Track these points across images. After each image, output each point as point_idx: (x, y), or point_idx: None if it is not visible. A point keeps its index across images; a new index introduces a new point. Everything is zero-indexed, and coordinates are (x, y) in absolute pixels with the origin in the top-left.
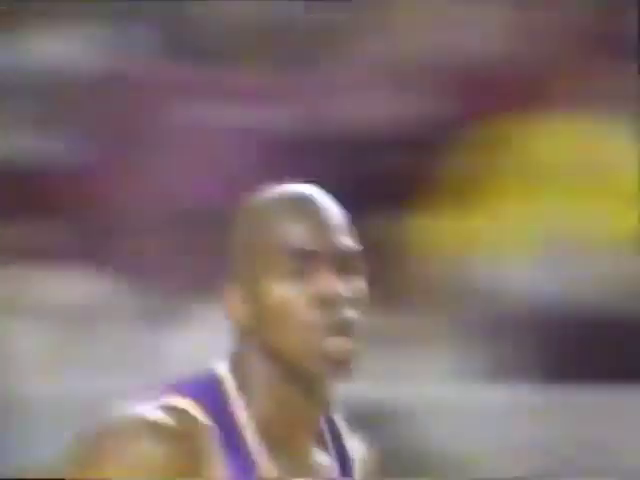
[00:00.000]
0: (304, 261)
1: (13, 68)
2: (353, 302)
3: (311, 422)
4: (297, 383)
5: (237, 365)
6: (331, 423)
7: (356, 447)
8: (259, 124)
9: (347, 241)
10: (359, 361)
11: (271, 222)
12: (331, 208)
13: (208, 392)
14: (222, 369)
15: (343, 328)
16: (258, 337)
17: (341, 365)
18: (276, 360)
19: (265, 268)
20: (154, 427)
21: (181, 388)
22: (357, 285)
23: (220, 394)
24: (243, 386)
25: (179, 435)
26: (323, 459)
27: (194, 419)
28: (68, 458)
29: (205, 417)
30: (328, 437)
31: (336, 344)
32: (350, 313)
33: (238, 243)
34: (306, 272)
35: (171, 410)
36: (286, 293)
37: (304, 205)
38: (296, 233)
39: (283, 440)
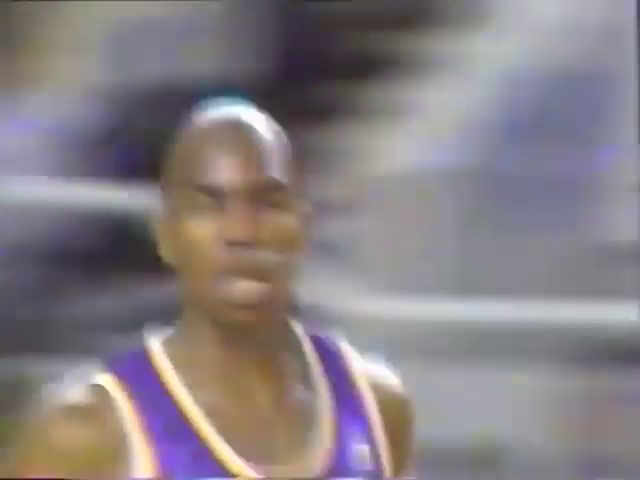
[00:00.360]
0: (213, 198)
1: None
2: (270, 241)
3: (260, 369)
4: (222, 332)
5: (179, 313)
6: (323, 354)
7: (373, 382)
8: None
9: (266, 174)
10: (279, 303)
11: (189, 153)
12: (255, 135)
13: (135, 365)
14: (152, 336)
15: (250, 270)
16: (182, 281)
17: (249, 309)
18: (196, 309)
19: (179, 204)
20: (67, 412)
21: (109, 364)
22: (281, 222)
23: (150, 366)
24: (180, 351)
25: (94, 416)
26: (296, 402)
27: (111, 398)
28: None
29: (126, 394)
30: (319, 376)
31: (241, 288)
32: (262, 254)
33: (166, 173)
34: (216, 210)
35: (88, 390)
36: (196, 232)
37: (221, 134)
38: (205, 166)
39: (235, 406)
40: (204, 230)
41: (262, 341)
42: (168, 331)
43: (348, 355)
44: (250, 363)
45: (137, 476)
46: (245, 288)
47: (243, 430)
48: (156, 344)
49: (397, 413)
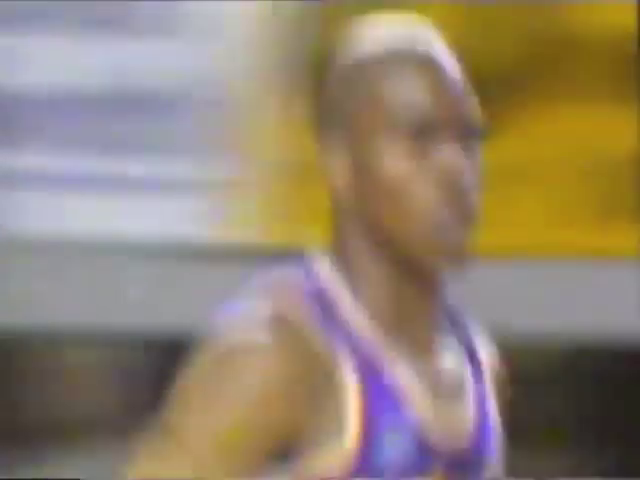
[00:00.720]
0: (426, 133)
1: None
2: (476, 184)
3: (428, 318)
4: (409, 273)
5: (338, 252)
6: (453, 316)
7: (483, 344)
8: None
9: (473, 109)
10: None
11: (385, 80)
12: (451, 63)
13: (311, 292)
14: (320, 259)
15: (468, 217)
16: (363, 216)
17: (460, 258)
18: (385, 246)
19: (377, 137)
20: (267, 345)
21: (283, 289)
22: (478, 163)
23: (324, 291)
24: (346, 278)
25: (297, 350)
26: (449, 358)
27: (306, 328)
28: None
29: (314, 321)
30: (451, 331)
31: (460, 236)
32: (475, 198)
33: (340, 98)
34: (427, 146)
35: (281, 321)
36: (403, 170)
37: (424, 59)
38: (418, 97)
39: (401, 340)
40: (414, 168)
41: (438, 288)
42: (330, 252)
43: (469, 322)
44: (422, 309)
45: (345, 411)
46: (462, 236)
47: (417, 380)
48: (326, 267)
49: (500, 387)
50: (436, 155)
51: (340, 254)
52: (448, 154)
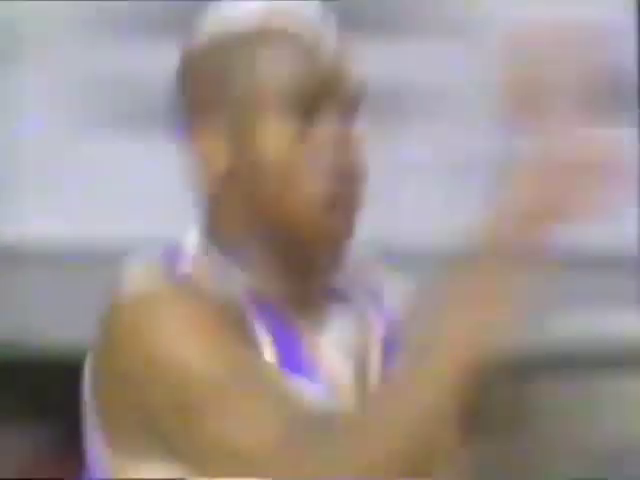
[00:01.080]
0: (305, 107)
1: None
2: (360, 167)
3: (317, 293)
4: (291, 253)
5: (213, 229)
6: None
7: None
8: None
9: (353, 75)
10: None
11: (258, 60)
12: (326, 33)
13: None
14: (192, 239)
15: (351, 199)
16: (244, 200)
17: (343, 238)
18: (268, 229)
19: (257, 119)
20: (181, 288)
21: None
22: (361, 141)
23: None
24: (223, 261)
25: (208, 293)
26: (347, 326)
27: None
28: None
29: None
30: (354, 292)
31: (342, 218)
32: (359, 182)
33: (213, 82)
34: (309, 120)
35: (185, 279)
36: (285, 151)
37: (294, 33)
38: (293, 72)
39: (281, 318)
40: (297, 143)
41: (326, 264)
42: (203, 229)
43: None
44: (308, 286)
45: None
46: (343, 222)
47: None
48: (200, 264)
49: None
50: (319, 131)
51: (216, 239)
52: (330, 129)
